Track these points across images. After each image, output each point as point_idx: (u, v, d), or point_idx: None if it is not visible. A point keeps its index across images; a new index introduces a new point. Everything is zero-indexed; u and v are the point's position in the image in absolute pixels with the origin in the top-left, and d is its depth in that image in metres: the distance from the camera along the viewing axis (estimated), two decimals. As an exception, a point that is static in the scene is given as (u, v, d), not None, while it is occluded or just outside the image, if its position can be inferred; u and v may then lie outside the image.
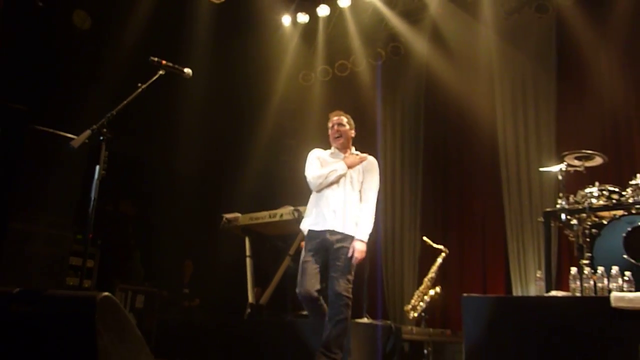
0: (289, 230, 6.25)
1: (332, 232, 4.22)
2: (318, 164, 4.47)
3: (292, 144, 9.48)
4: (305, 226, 4.43)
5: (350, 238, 4.19)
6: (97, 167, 3.47)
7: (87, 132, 3.46)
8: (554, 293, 4.64)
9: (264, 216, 6.29)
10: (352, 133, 4.54)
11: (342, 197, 4.29)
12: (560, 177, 5.26)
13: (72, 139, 3.52)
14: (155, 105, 7.60)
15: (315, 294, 4.14)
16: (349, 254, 4.14)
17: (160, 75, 3.78)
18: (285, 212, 6.08)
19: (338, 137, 4.47)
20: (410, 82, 8.72)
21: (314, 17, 8.80)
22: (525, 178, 7.45)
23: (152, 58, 3.79)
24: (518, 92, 7.76)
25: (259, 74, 8.91)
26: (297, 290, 4.17)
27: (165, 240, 8.24)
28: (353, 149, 4.56)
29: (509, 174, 7.58)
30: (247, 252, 6.43)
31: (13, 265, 4.58)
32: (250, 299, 6.16)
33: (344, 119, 4.52)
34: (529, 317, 4.17)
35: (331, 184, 4.33)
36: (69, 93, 7.02)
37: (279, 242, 6.47)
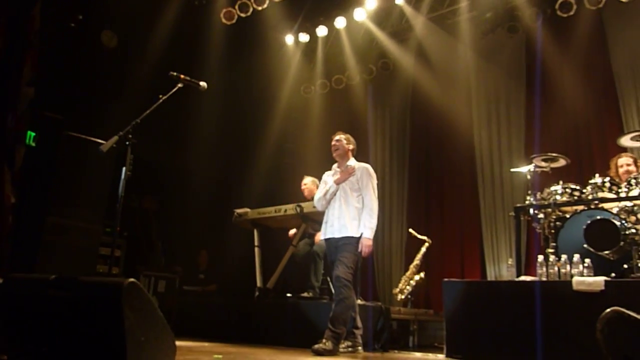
0: (293, 224, 6.26)
1: (332, 239, 4.54)
2: (322, 187, 4.73)
3: (294, 148, 9.47)
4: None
5: (349, 238, 4.40)
6: (124, 169, 3.49)
7: (115, 138, 3.48)
8: (523, 278, 4.64)
9: (270, 211, 6.27)
10: (349, 146, 4.73)
11: (337, 210, 4.53)
12: (529, 177, 5.27)
13: (102, 144, 3.55)
14: (174, 114, 7.63)
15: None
16: (357, 250, 4.38)
17: (179, 87, 3.80)
18: (288, 207, 6.07)
19: (335, 149, 4.71)
20: (398, 93, 8.71)
21: (313, 36, 8.79)
22: (498, 178, 7.46)
23: (171, 73, 3.81)
24: (492, 102, 7.76)
25: (265, 86, 8.91)
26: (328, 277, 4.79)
27: (183, 232, 8.25)
28: (352, 160, 4.72)
29: (484, 175, 7.59)
30: (256, 243, 6.41)
31: (50, 254, 4.58)
32: (259, 283, 6.16)
33: (340, 136, 4.75)
34: (501, 299, 4.19)
35: (330, 201, 4.60)
36: (99, 103, 6.99)
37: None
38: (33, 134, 5.87)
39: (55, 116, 6.30)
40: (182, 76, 3.81)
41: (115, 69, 7.38)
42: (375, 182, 4.58)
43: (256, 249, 6.38)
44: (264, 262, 6.33)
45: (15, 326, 2.56)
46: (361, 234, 4.40)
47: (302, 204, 5.86)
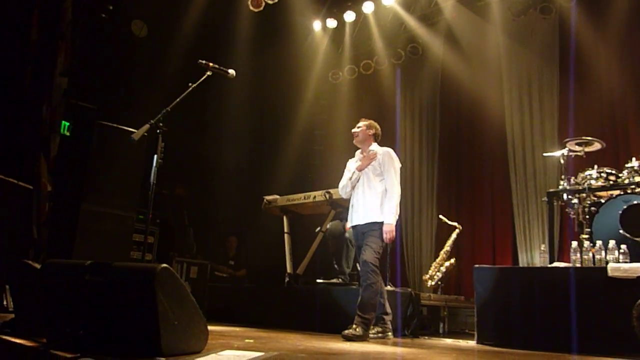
0: (322, 210, 6.27)
1: (358, 226, 4.52)
2: (346, 175, 4.70)
3: (323, 135, 9.50)
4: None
5: (374, 224, 4.38)
6: (155, 157, 3.50)
7: (146, 126, 3.50)
8: (556, 264, 4.57)
9: (299, 198, 6.31)
10: (370, 132, 4.67)
11: (361, 196, 4.53)
12: (562, 161, 5.16)
13: (133, 132, 3.56)
14: (203, 103, 7.74)
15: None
16: (380, 236, 4.35)
17: (208, 75, 3.80)
18: (317, 194, 6.09)
19: (355, 136, 4.68)
20: (427, 78, 8.60)
21: (341, 22, 8.74)
22: (530, 162, 7.31)
23: (200, 61, 3.82)
24: (524, 86, 7.59)
25: (293, 73, 8.91)
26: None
27: (214, 218, 8.36)
28: (375, 145, 4.67)
29: (516, 159, 7.45)
30: (285, 229, 6.46)
31: (86, 241, 4.67)
32: (289, 269, 6.21)
33: (361, 123, 4.73)
34: (533, 286, 4.13)
35: (354, 186, 4.58)
36: (130, 93, 7.12)
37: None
38: (67, 123, 6.08)
39: (88, 106, 6.50)
40: (210, 64, 3.81)
41: (145, 58, 7.50)
42: (397, 165, 4.53)
43: (286, 236, 6.43)
44: (294, 249, 6.38)
45: (53, 310, 2.64)
46: (378, 221, 4.38)
47: (331, 190, 5.86)
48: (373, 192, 4.46)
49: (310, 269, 6.28)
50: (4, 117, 5.60)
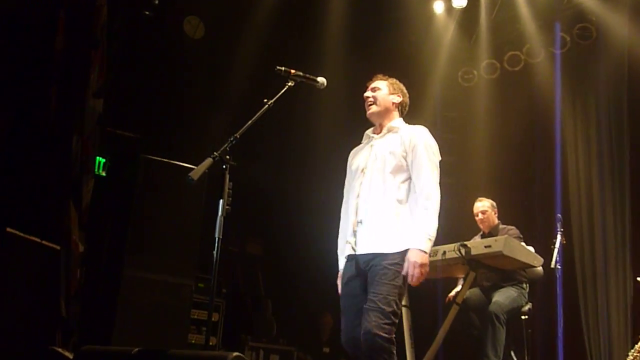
0: (456, 272, 6.19)
1: (358, 258, 3.93)
2: (348, 177, 4.29)
3: (453, 162, 9.38)
4: None
5: (388, 256, 3.73)
6: (221, 202, 3.49)
7: (208, 161, 3.50)
8: None
9: (421, 255, 6.26)
10: (394, 98, 4.14)
11: (365, 205, 3.96)
12: None
13: (191, 169, 3.58)
14: (285, 125, 7.79)
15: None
16: (402, 275, 3.69)
17: (289, 87, 3.84)
18: (448, 249, 6.02)
19: (370, 104, 4.10)
20: (606, 73, 8.34)
21: (473, 0, 8.74)
22: None
23: (278, 68, 3.88)
24: None
25: (406, 77, 8.90)
26: None
27: (301, 288, 8.38)
28: (399, 120, 4.14)
29: None
30: (403, 301, 6.41)
31: (129, 319, 4.83)
32: (410, 358, 6.14)
33: (381, 82, 4.18)
34: None
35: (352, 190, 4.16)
36: (183, 115, 7.35)
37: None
38: (103, 160, 6.27)
39: (130, 135, 6.68)
40: (293, 71, 3.86)
41: (202, 67, 7.71)
42: (435, 152, 3.95)
43: (403, 310, 6.38)
44: (416, 328, 6.30)
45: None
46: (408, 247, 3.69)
47: (468, 243, 5.79)
48: (387, 197, 3.82)
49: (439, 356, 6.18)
50: (22, 154, 5.76)
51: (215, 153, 3.53)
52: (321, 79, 4.03)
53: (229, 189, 3.54)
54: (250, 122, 3.63)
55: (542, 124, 8.53)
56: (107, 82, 6.33)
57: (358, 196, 3.99)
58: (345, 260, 4.08)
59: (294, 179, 8.35)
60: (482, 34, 9.01)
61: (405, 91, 4.26)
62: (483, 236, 6.39)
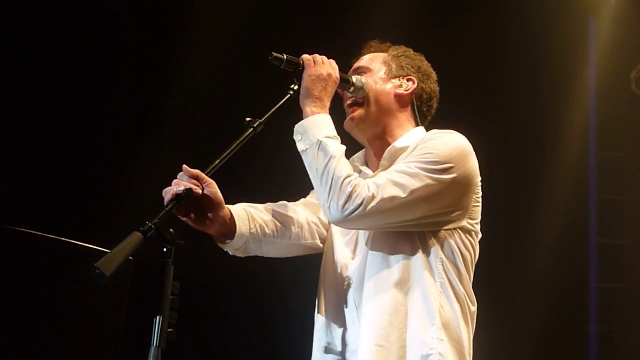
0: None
1: None
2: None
3: (620, 201, 7.22)
4: None
5: None
6: (157, 319, 2.30)
7: (135, 237, 2.29)
8: None
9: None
10: (400, 88, 2.57)
11: (350, 305, 2.54)
12: None
13: (103, 253, 2.28)
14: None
15: None
16: None
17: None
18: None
19: (350, 105, 2.58)
20: None
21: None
22: None
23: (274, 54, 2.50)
24: None
25: (539, 81, 6.92)
26: None
27: None
28: (416, 131, 2.55)
29: None
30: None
31: None
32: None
33: (373, 57, 2.66)
34: None
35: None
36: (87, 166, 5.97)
37: None
38: None
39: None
40: (283, 55, 2.53)
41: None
42: (477, 190, 2.42)
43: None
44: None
45: None
46: None
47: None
48: (383, 285, 2.35)
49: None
50: None
51: (148, 222, 2.27)
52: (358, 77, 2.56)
53: (175, 290, 2.37)
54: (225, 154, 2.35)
55: None
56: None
57: None
58: None
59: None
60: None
61: (426, 68, 2.66)
62: None
